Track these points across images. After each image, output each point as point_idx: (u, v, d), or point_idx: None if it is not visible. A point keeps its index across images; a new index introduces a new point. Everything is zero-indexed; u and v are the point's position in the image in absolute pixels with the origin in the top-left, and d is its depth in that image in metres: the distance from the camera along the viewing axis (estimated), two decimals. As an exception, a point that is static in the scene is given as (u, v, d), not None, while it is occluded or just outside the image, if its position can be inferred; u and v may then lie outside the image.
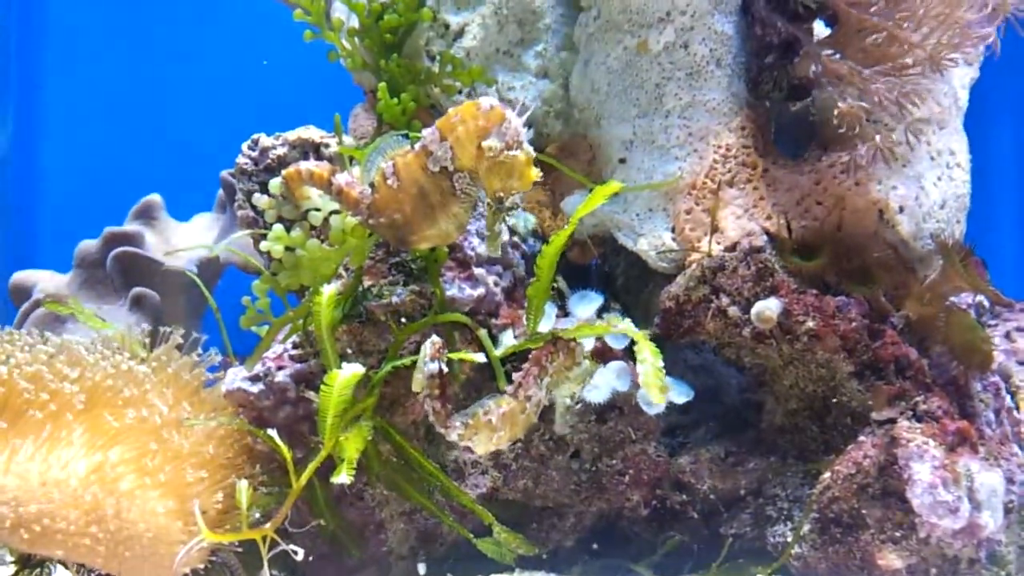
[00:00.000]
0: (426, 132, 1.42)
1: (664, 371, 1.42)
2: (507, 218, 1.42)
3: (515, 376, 1.53)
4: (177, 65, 2.75)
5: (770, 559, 1.72)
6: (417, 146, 1.43)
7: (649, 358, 1.43)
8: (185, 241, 2.38)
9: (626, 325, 1.50)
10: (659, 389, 1.41)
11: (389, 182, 1.45)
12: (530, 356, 1.54)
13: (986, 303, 1.89)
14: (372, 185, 1.50)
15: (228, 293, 2.05)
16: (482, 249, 1.71)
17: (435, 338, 1.49)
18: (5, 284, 2.38)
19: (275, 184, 1.69)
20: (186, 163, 2.65)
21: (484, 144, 1.35)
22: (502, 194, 1.38)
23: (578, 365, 1.58)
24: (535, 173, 1.37)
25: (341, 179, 1.54)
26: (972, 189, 1.90)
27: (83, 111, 2.76)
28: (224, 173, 2.39)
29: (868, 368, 1.68)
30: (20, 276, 2.36)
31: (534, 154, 1.37)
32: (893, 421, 1.65)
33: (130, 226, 2.37)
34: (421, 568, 1.70)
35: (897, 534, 1.61)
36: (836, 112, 1.70)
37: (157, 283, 2.30)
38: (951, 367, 1.72)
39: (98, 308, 2.24)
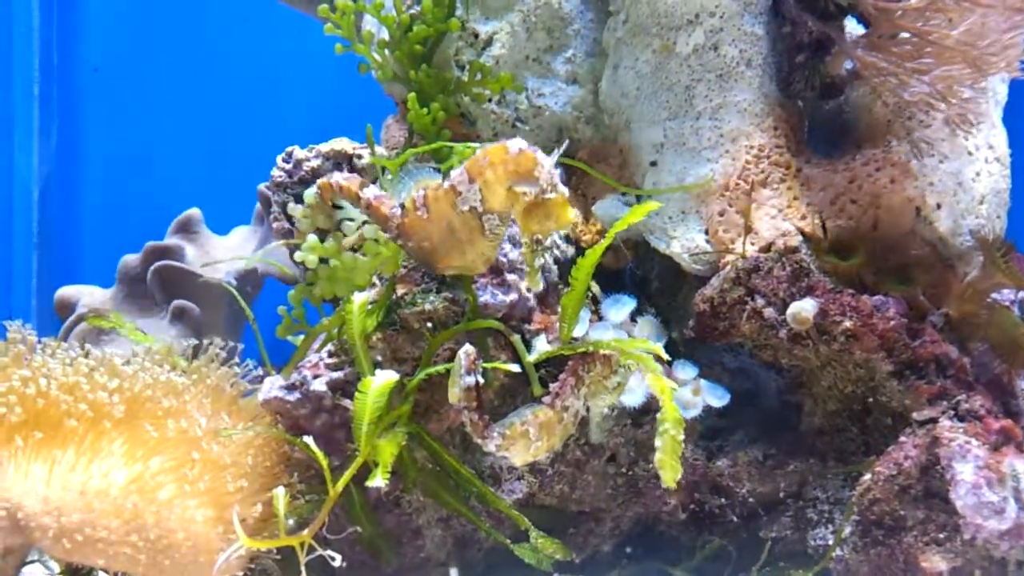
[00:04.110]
0: (455, 173, 1.41)
1: (683, 443, 1.38)
2: (544, 255, 1.42)
3: (552, 386, 1.53)
4: (213, 81, 2.79)
5: (811, 562, 1.69)
6: (446, 184, 1.42)
7: (670, 428, 1.37)
8: (224, 254, 2.41)
9: (656, 348, 1.47)
10: (672, 471, 1.36)
11: (419, 212, 1.45)
12: (567, 367, 1.53)
13: (1029, 300, 1.85)
14: (403, 206, 1.50)
15: (268, 304, 2.08)
16: (515, 255, 1.72)
17: (469, 348, 1.48)
18: (50, 299, 2.43)
19: (309, 195, 1.71)
20: (224, 177, 2.68)
21: (518, 190, 1.35)
22: (540, 236, 1.38)
23: (615, 374, 1.57)
24: (572, 214, 1.36)
25: (369, 193, 1.55)
26: (1012, 184, 1.86)
27: (123, 128, 2.82)
28: (261, 186, 2.42)
29: (908, 367, 1.66)
30: (64, 291, 2.40)
31: (567, 193, 1.37)
32: (935, 421, 1.62)
33: (170, 240, 2.41)
34: (453, 573, 1.71)
35: (941, 536, 1.58)
36: (906, 100, 1.67)
37: (197, 296, 2.33)
38: (993, 365, 1.69)
39: (140, 321, 2.27)
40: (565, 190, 1.36)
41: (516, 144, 1.35)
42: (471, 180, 1.38)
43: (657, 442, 1.38)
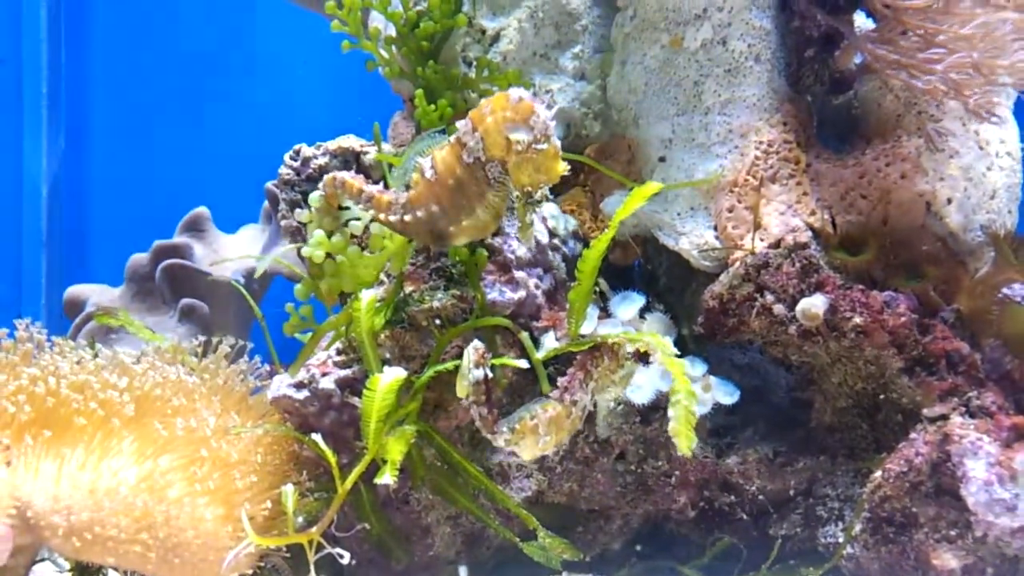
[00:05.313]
0: (460, 124, 1.42)
1: (697, 416, 1.37)
2: (537, 209, 1.41)
3: (560, 381, 1.53)
4: (221, 79, 2.80)
5: (821, 560, 1.69)
6: (452, 138, 1.44)
7: (683, 399, 1.37)
8: (232, 252, 2.41)
9: (665, 342, 1.46)
10: (687, 439, 1.36)
11: (428, 175, 1.46)
12: (575, 361, 1.53)
13: (1041, 295, 1.84)
14: (407, 186, 1.50)
15: (276, 302, 2.08)
16: (522, 252, 1.71)
17: (477, 344, 1.48)
18: (60, 298, 2.44)
19: (315, 197, 1.71)
20: (232, 175, 2.69)
21: (512, 137, 1.35)
22: (530, 188, 1.38)
23: (622, 367, 1.57)
24: (563, 167, 1.36)
25: (372, 188, 1.55)
26: (1024, 179, 1.85)
27: (130, 129, 2.83)
28: (269, 184, 2.42)
29: (918, 364, 1.65)
30: (74, 290, 2.41)
31: (560, 146, 1.36)
32: (945, 417, 1.61)
33: (178, 239, 2.41)
34: (463, 572, 1.70)
35: (952, 533, 1.57)
36: (920, 91, 1.66)
37: (206, 294, 2.34)
38: (1005, 361, 1.68)
39: (149, 320, 2.28)
40: (557, 143, 1.36)
41: (517, 92, 1.36)
42: (474, 129, 1.39)
43: (670, 412, 1.38)
